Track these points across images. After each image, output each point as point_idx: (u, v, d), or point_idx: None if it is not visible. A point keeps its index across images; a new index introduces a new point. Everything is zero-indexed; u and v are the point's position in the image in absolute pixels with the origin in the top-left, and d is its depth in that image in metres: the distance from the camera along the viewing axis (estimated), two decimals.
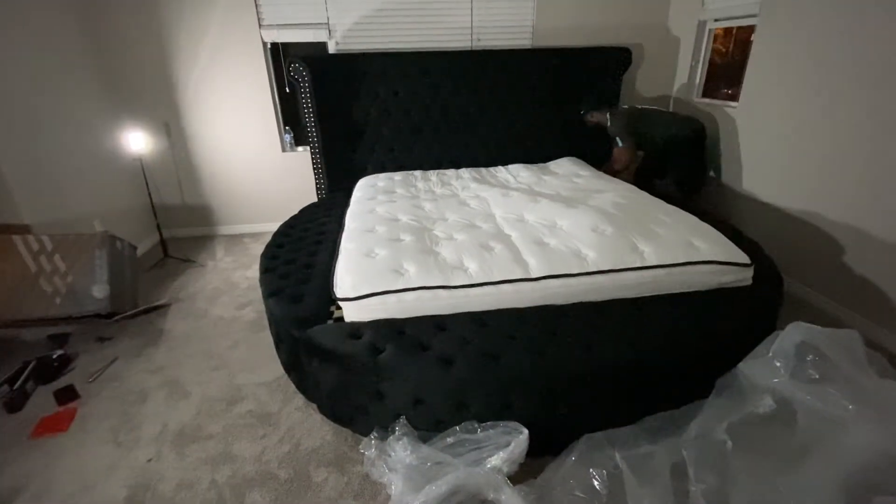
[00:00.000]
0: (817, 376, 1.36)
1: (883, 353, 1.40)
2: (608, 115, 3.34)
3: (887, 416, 1.20)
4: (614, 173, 3.27)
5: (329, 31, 3.46)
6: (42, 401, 2.06)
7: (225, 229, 4.01)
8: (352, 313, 1.79)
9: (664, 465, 1.38)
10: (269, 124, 3.70)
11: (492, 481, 1.43)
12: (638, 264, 1.89)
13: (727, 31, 3.56)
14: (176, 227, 3.86)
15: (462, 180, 3.15)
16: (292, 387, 2.06)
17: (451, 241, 2.10)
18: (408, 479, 1.46)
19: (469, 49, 3.60)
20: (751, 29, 3.07)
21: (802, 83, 2.60)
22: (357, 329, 1.72)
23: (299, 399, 2.01)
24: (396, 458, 1.53)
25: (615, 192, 2.64)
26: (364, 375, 1.63)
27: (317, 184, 3.59)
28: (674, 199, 2.63)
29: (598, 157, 3.77)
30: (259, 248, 3.43)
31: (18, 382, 2.08)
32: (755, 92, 2.94)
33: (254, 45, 3.44)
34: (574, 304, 1.85)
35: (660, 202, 2.50)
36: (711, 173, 3.42)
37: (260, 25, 3.40)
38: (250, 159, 3.78)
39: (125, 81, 3.41)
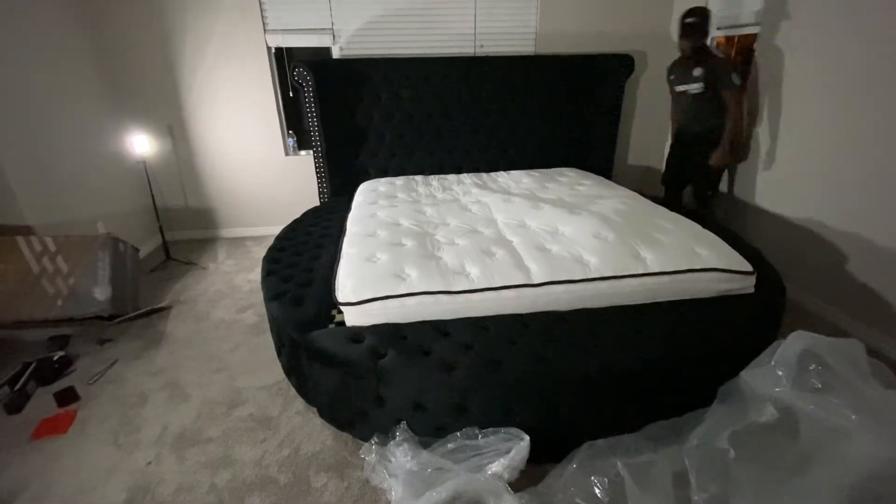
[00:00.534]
0: (820, 385, 1.35)
1: (886, 362, 1.39)
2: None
3: (890, 426, 1.20)
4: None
5: (333, 36, 3.48)
6: (42, 402, 2.06)
7: (227, 232, 4.02)
8: (353, 318, 1.79)
9: (666, 474, 1.37)
10: (273, 128, 3.71)
11: (492, 488, 1.42)
12: (640, 271, 1.89)
13: (729, 39, 3.57)
14: (178, 229, 3.87)
15: (463, 185, 3.15)
16: (293, 391, 2.06)
17: (453, 247, 2.11)
18: (408, 484, 1.45)
19: (472, 55, 3.62)
20: (752, 37, 3.08)
21: (804, 91, 2.60)
22: (358, 333, 1.72)
23: (300, 403, 2.01)
24: (397, 463, 1.53)
25: (617, 199, 2.64)
26: (365, 380, 1.63)
27: (319, 188, 3.59)
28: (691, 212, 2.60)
29: (600, 164, 3.78)
30: (261, 251, 3.43)
31: (19, 384, 2.08)
32: (757, 99, 2.94)
33: (258, 49, 3.46)
34: (576, 311, 1.84)
35: (662, 209, 2.50)
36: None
37: (265, 30, 3.42)
38: (253, 163, 3.79)
39: (129, 84, 3.43)
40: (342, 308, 1.80)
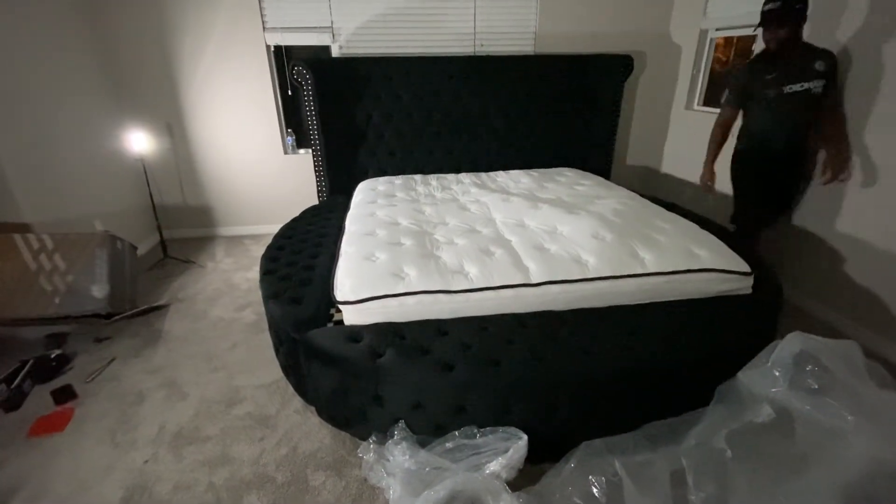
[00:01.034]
0: (816, 386, 1.36)
1: (883, 363, 1.40)
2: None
3: (886, 427, 1.20)
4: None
5: (333, 34, 3.47)
6: (39, 400, 2.06)
7: (225, 231, 4.01)
8: (351, 317, 1.79)
9: (663, 473, 1.38)
10: (272, 126, 3.71)
11: (490, 487, 1.43)
12: (638, 271, 1.89)
13: (727, 40, 3.58)
14: (176, 227, 3.86)
15: (462, 185, 3.15)
16: (291, 389, 2.06)
17: (452, 246, 2.11)
18: (406, 483, 1.46)
19: (472, 54, 3.62)
20: (751, 39, 3.09)
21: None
22: (357, 332, 1.72)
23: (298, 402, 2.01)
24: (395, 462, 1.53)
25: (616, 199, 2.65)
26: (363, 379, 1.63)
27: (318, 186, 3.59)
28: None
29: (599, 164, 3.79)
30: (259, 249, 3.43)
31: (16, 381, 2.07)
32: None
33: (257, 47, 3.45)
34: (574, 310, 1.85)
35: (660, 209, 2.51)
36: None
37: (264, 28, 3.41)
38: (252, 161, 3.78)
39: (128, 81, 3.42)
40: (341, 307, 1.80)
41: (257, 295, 2.79)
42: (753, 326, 1.81)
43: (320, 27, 3.44)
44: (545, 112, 3.63)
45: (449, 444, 1.55)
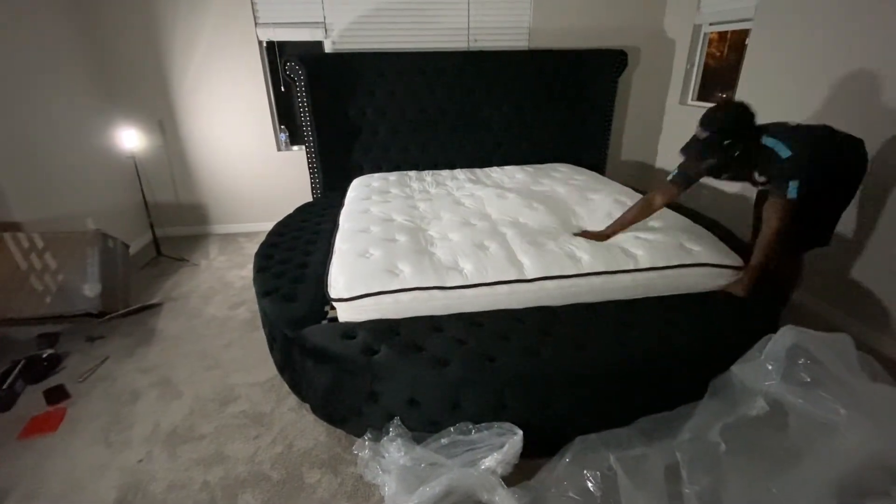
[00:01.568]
0: (809, 380, 1.37)
1: (875, 355, 1.40)
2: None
3: (878, 419, 1.21)
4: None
5: (325, 30, 3.44)
6: (31, 401, 2.04)
7: (219, 228, 3.99)
8: (346, 314, 1.79)
9: (658, 467, 1.38)
10: (265, 123, 3.68)
11: (486, 482, 1.43)
12: (631, 266, 1.90)
13: (721, 35, 3.58)
14: (169, 225, 3.83)
15: (457, 181, 3.14)
16: (286, 387, 2.05)
17: (446, 242, 2.10)
18: (401, 480, 1.45)
19: (466, 50, 3.60)
20: (745, 33, 3.09)
21: (797, 87, 2.62)
22: (351, 329, 1.72)
23: (293, 399, 2.00)
24: (390, 459, 1.52)
25: (610, 196, 2.65)
26: (358, 376, 1.62)
27: (312, 183, 3.57)
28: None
29: (593, 159, 3.79)
30: (253, 247, 3.41)
31: (7, 382, 2.05)
32: (750, 95, 2.96)
33: (249, 43, 3.42)
34: (568, 306, 1.85)
35: None
36: None
37: (256, 24, 3.38)
38: (245, 158, 3.76)
39: (119, 78, 3.38)
40: (335, 304, 1.80)
41: (251, 293, 2.78)
42: (746, 320, 1.81)
43: (313, 22, 3.41)
44: (540, 107, 3.62)
45: (444, 441, 1.55)
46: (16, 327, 2.46)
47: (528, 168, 3.44)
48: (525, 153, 3.67)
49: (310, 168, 3.52)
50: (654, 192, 2.11)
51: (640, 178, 4.16)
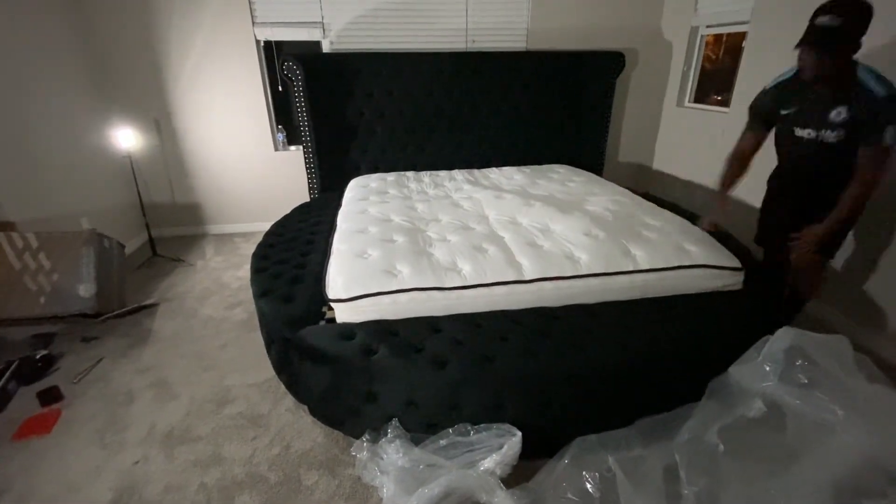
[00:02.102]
0: (806, 381, 1.37)
1: (872, 356, 1.41)
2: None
3: (875, 420, 1.22)
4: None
5: (323, 29, 3.44)
6: (25, 402, 2.02)
7: (215, 228, 3.97)
8: (344, 314, 1.78)
9: (656, 468, 1.38)
10: (262, 123, 3.67)
11: (485, 484, 1.43)
12: (630, 268, 1.90)
13: (717, 37, 3.60)
14: (165, 225, 3.81)
15: (455, 182, 3.14)
16: (283, 388, 2.04)
17: (445, 243, 2.10)
18: (400, 481, 1.45)
19: (464, 50, 3.60)
20: (740, 36, 3.11)
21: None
22: (349, 330, 1.71)
23: (290, 400, 1.99)
24: (388, 460, 1.52)
25: (608, 196, 2.65)
26: (356, 377, 1.62)
27: (309, 183, 3.56)
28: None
29: (591, 160, 3.80)
30: (250, 247, 3.40)
31: (0, 383, 2.03)
32: (746, 98, 2.96)
33: (247, 42, 3.41)
34: (567, 307, 1.85)
35: (652, 206, 2.52)
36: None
37: (253, 23, 3.37)
38: (242, 158, 3.74)
39: (115, 77, 3.36)
40: (333, 305, 1.79)
41: (248, 293, 2.76)
42: (744, 322, 1.82)
43: (311, 22, 3.40)
44: (537, 108, 3.63)
45: (443, 442, 1.55)
46: (9, 328, 2.43)
47: (526, 169, 3.44)
48: (523, 154, 3.68)
49: (307, 168, 3.51)
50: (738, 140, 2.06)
51: (637, 179, 4.17)
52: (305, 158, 3.48)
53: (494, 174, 3.34)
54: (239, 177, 3.80)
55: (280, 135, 3.80)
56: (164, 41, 3.32)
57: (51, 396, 2.04)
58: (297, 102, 3.30)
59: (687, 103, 3.73)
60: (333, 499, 1.57)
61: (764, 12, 2.80)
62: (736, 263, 1.95)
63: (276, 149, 3.79)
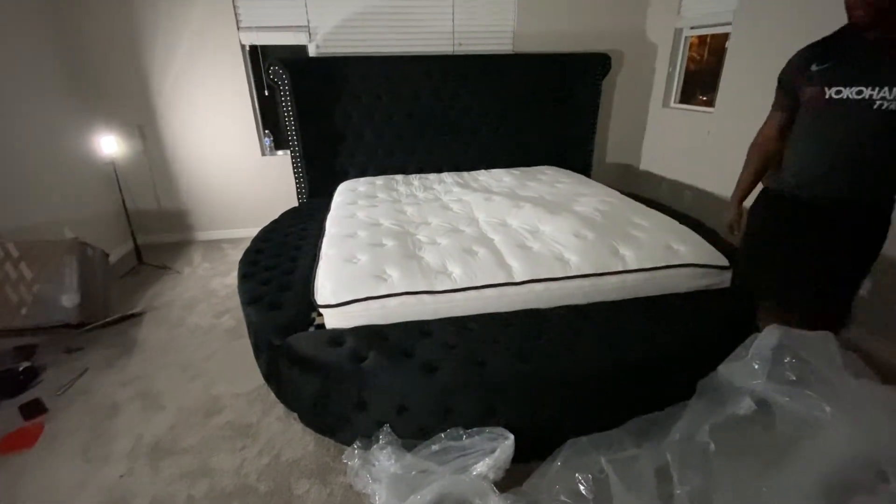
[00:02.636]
0: (794, 378, 1.38)
1: (859, 354, 1.41)
2: None
3: (862, 415, 1.23)
4: None
5: (309, 33, 3.42)
6: (7, 416, 1.96)
7: (202, 235, 3.92)
8: (333, 320, 1.76)
9: (649, 469, 1.38)
10: (248, 127, 3.63)
11: (478, 488, 1.41)
12: (619, 268, 1.90)
13: (701, 39, 3.64)
14: (151, 233, 3.75)
15: (444, 184, 3.14)
16: (272, 396, 2.01)
17: (435, 246, 2.09)
18: (392, 488, 1.43)
19: (451, 53, 3.60)
20: (724, 37, 3.15)
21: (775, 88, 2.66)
22: (339, 336, 1.69)
23: (280, 409, 1.96)
24: (380, 467, 1.50)
25: (596, 197, 2.67)
26: (346, 384, 1.60)
27: (297, 188, 3.53)
28: None
29: (579, 162, 3.82)
30: (238, 254, 3.34)
31: None
32: (730, 97, 3.01)
33: (232, 47, 3.38)
34: (557, 308, 1.85)
35: (639, 206, 2.54)
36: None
37: (238, 27, 3.34)
38: (229, 163, 3.70)
39: (97, 83, 3.31)
40: (322, 311, 1.77)
41: (236, 301, 2.72)
42: (732, 319, 1.83)
43: (296, 26, 3.38)
44: (525, 111, 3.64)
45: (435, 447, 1.54)
46: None
47: (515, 171, 3.45)
48: (511, 156, 3.69)
49: (295, 173, 3.48)
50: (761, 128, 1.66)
51: (624, 179, 4.20)
52: (293, 163, 3.45)
53: (483, 176, 3.34)
54: (226, 182, 3.76)
55: (267, 139, 3.76)
56: (148, 46, 3.28)
57: (34, 410, 1.99)
58: (283, 107, 3.28)
59: (672, 104, 3.77)
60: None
61: (746, 13, 2.84)
62: (723, 262, 1.97)
63: (264, 153, 3.76)
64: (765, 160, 1.67)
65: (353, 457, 1.57)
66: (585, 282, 1.88)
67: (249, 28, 3.35)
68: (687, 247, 2.01)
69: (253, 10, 3.31)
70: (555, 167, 3.60)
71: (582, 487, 1.38)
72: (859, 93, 1.34)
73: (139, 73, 3.33)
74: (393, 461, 1.49)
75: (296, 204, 3.53)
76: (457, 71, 3.47)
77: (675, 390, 1.68)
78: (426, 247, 2.09)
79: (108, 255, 2.79)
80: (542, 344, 1.64)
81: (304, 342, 1.69)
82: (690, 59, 3.67)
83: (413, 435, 1.60)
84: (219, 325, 2.64)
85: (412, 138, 3.58)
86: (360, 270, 1.88)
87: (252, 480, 1.65)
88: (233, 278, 3.13)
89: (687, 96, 3.74)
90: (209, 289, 3.06)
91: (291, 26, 3.38)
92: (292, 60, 3.21)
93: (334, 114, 3.40)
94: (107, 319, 2.57)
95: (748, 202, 1.83)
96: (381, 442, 1.56)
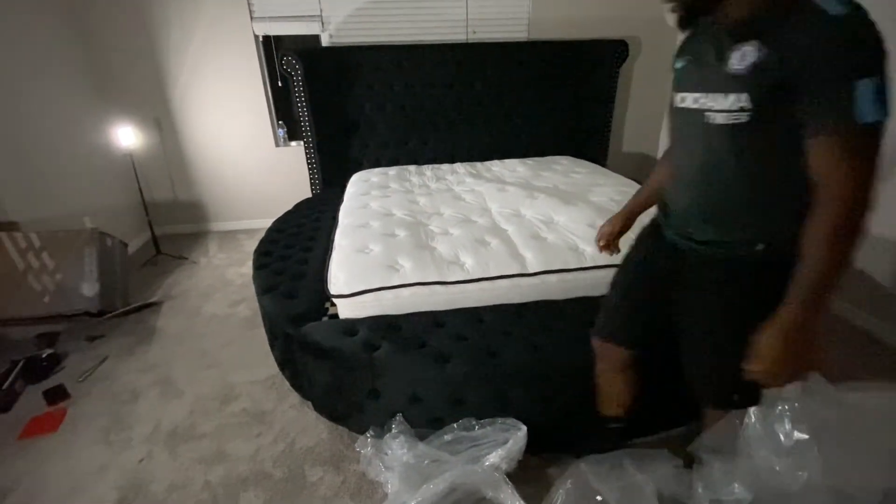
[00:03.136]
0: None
1: (887, 348, 1.33)
2: None
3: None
4: None
5: (322, 23, 3.40)
6: (31, 401, 2.02)
7: (218, 226, 3.96)
8: (346, 310, 1.77)
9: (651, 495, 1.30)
10: (262, 119, 3.65)
11: (490, 479, 1.41)
12: None
13: None
14: (168, 223, 3.81)
15: (457, 175, 3.12)
16: (287, 385, 2.03)
17: (447, 236, 2.08)
18: (405, 477, 1.44)
19: (465, 42, 3.56)
20: None
21: None
22: (352, 326, 1.70)
23: (294, 397, 1.99)
24: (393, 456, 1.51)
25: (612, 187, 2.62)
26: (359, 373, 1.60)
27: (311, 179, 3.54)
28: None
29: (594, 152, 3.76)
30: (253, 244, 3.37)
31: (7, 382, 2.04)
32: None
33: (245, 38, 3.38)
34: (571, 300, 1.83)
35: None
36: None
37: (251, 18, 3.34)
38: (243, 154, 3.73)
39: (114, 75, 3.35)
40: (335, 301, 1.78)
41: (251, 290, 2.75)
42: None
43: (309, 16, 3.37)
44: (540, 99, 3.59)
45: (447, 437, 1.54)
46: (14, 327, 2.44)
47: (529, 161, 3.41)
48: (525, 146, 3.64)
49: (308, 163, 3.49)
50: None
51: (641, 170, 4.12)
52: (307, 154, 3.46)
53: (497, 167, 3.31)
54: (241, 173, 3.79)
55: (281, 130, 3.78)
56: (163, 39, 3.30)
57: (57, 395, 2.04)
58: (297, 97, 3.28)
59: None
60: (338, 495, 1.56)
61: None
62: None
63: (277, 144, 3.77)
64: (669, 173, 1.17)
65: (366, 445, 1.58)
66: (601, 273, 1.84)
67: (262, 18, 3.35)
68: None
69: (266, 1, 3.30)
70: (570, 157, 3.54)
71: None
72: (696, 100, 0.99)
73: (154, 65, 3.36)
74: (405, 450, 1.50)
75: (309, 194, 3.54)
76: (471, 59, 3.43)
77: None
78: (439, 237, 2.08)
79: (126, 246, 2.84)
80: (556, 335, 1.63)
81: (318, 331, 1.70)
82: None
83: (426, 424, 1.60)
84: (235, 314, 2.67)
85: (425, 128, 3.55)
86: (372, 260, 1.87)
87: (268, 467, 1.67)
88: (248, 268, 3.15)
89: None
90: (225, 279, 3.10)
91: (304, 16, 3.36)
92: (305, 51, 3.20)
93: (347, 104, 3.40)
94: (126, 308, 2.63)
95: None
96: (393, 431, 1.56)
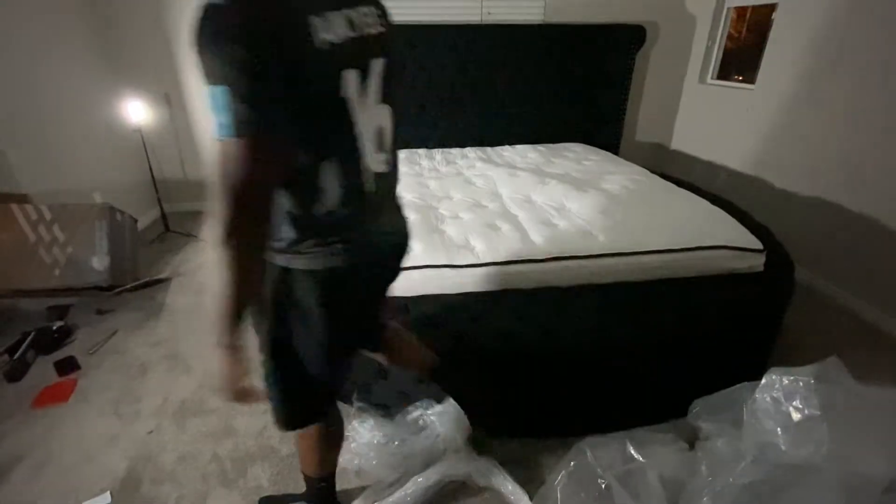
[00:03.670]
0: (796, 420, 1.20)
1: (884, 338, 1.33)
2: None
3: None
4: None
5: None
6: (42, 371, 2.05)
7: None
8: None
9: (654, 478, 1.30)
10: None
11: (481, 468, 1.42)
12: (647, 248, 1.85)
13: (740, 14, 3.44)
14: (177, 201, 3.81)
15: (467, 159, 3.09)
16: None
17: (457, 220, 2.06)
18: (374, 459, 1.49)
19: (478, 23, 3.49)
20: (766, 11, 2.97)
21: (823, 65, 2.51)
22: None
23: None
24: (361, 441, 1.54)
25: (625, 175, 2.58)
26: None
27: None
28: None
29: (608, 139, 3.70)
30: None
31: (19, 352, 2.07)
32: (774, 73, 2.85)
33: None
34: (581, 286, 1.81)
35: (671, 185, 2.45)
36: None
37: None
38: None
39: (125, 50, 3.32)
40: None
41: None
42: (764, 305, 1.77)
43: None
44: (553, 84, 3.53)
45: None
46: (25, 299, 2.47)
47: (541, 147, 3.37)
48: (538, 131, 3.59)
49: None
50: None
51: (655, 159, 4.06)
52: None
53: (508, 152, 3.27)
54: None
55: None
56: (175, 14, 3.26)
57: (68, 366, 2.07)
58: None
59: (710, 80, 3.59)
60: (344, 471, 1.58)
61: None
62: (757, 245, 1.89)
63: None
64: None
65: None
66: (611, 260, 1.83)
67: None
68: (720, 228, 1.94)
69: None
70: (582, 144, 3.49)
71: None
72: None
73: (165, 41, 3.33)
74: (373, 431, 1.54)
75: None
76: (484, 42, 3.36)
77: (700, 375, 1.65)
78: (448, 220, 2.06)
79: (136, 221, 2.85)
80: (565, 321, 1.62)
81: None
82: (727, 35, 3.48)
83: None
84: None
85: (436, 111, 3.51)
86: None
87: (274, 443, 1.69)
88: None
89: (722, 75, 3.56)
90: None
91: None
92: None
93: None
94: (135, 283, 2.65)
95: None
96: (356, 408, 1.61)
